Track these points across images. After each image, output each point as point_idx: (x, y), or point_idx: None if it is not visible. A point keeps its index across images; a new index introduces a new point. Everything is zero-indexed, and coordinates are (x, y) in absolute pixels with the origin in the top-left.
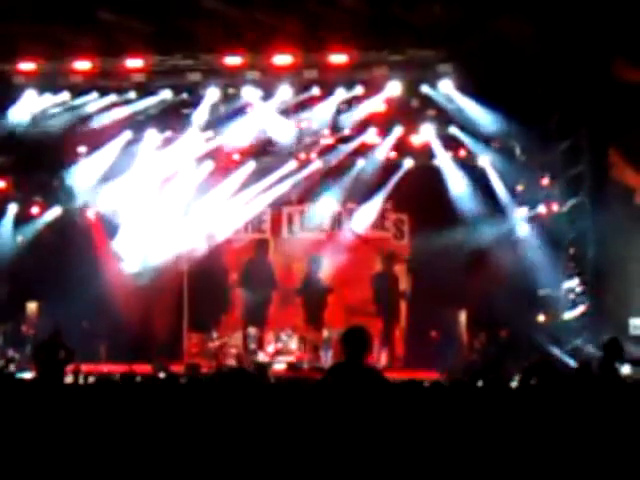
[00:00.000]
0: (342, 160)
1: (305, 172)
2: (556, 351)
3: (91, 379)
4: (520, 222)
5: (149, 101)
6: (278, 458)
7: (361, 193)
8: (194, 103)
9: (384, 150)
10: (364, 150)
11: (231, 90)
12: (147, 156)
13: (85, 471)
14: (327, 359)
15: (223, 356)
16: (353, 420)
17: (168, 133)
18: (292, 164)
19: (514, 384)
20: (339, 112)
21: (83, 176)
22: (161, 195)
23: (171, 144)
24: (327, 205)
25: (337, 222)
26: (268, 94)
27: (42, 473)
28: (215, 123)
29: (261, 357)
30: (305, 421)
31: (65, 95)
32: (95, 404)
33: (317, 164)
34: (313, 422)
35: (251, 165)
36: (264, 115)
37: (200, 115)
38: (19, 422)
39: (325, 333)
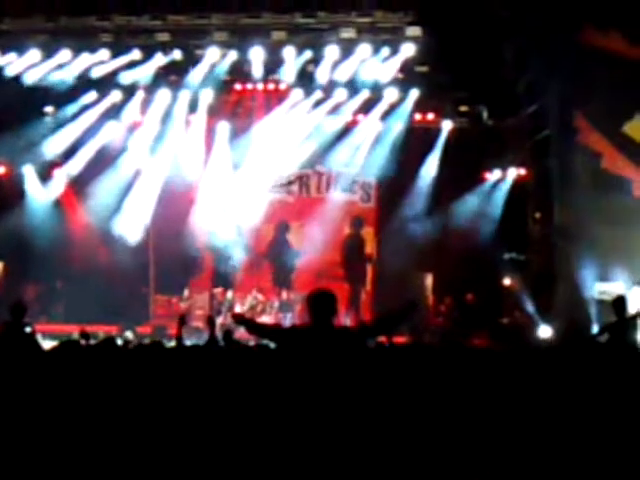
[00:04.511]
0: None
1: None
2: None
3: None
4: (486, 187)
5: (121, 61)
6: (250, 421)
7: (329, 156)
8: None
9: (351, 112)
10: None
11: (198, 51)
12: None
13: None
14: (287, 322)
15: (190, 318)
16: (326, 381)
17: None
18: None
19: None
20: (310, 74)
21: (52, 136)
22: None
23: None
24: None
25: (306, 186)
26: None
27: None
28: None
29: (227, 319)
30: (275, 385)
31: (34, 53)
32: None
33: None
34: (282, 386)
35: (224, 127)
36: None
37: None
38: None
39: (284, 295)
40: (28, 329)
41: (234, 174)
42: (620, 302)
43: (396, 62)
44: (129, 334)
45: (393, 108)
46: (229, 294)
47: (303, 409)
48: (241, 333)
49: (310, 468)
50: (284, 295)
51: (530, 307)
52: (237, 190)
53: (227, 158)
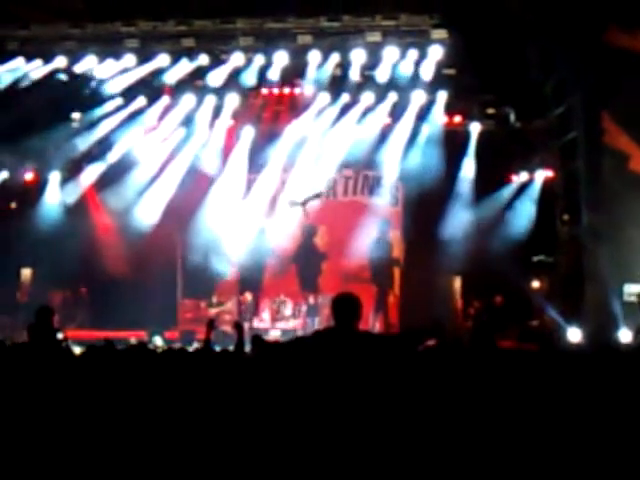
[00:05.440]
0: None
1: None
2: (554, 317)
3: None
4: (514, 189)
5: (146, 66)
6: (275, 423)
7: (356, 159)
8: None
9: (378, 115)
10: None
11: (223, 56)
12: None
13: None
14: (314, 325)
15: (218, 322)
16: (347, 383)
17: (166, 100)
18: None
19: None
20: (336, 77)
21: (78, 141)
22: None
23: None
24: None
25: (333, 189)
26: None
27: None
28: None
29: (256, 324)
30: (299, 387)
31: (60, 60)
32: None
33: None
34: (305, 388)
35: (249, 131)
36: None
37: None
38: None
39: (311, 299)
40: (60, 335)
41: (259, 178)
42: None
43: (424, 65)
44: (157, 339)
45: (421, 111)
46: (250, 298)
47: (326, 411)
48: (269, 337)
49: (330, 472)
50: (311, 299)
51: (559, 309)
52: (262, 194)
53: (252, 162)
